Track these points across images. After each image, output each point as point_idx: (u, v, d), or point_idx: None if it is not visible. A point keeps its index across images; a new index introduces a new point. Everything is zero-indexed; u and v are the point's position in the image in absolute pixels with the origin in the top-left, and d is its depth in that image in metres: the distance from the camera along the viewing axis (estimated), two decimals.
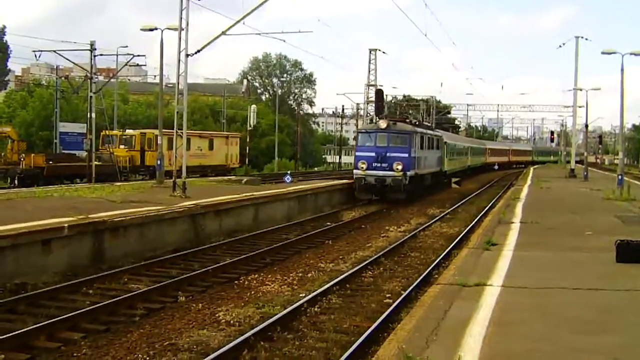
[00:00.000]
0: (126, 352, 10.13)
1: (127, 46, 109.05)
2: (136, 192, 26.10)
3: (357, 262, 17.70)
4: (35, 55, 41.61)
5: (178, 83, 27.23)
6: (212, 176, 45.82)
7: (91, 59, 39.04)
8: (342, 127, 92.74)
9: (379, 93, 43.21)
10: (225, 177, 43.43)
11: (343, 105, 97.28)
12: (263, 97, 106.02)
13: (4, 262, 13.78)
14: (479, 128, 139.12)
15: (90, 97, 37.82)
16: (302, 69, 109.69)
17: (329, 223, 26.42)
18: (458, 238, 21.12)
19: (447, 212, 30.75)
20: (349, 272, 15.76)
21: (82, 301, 12.90)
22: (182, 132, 26.62)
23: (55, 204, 20.08)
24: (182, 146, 26.63)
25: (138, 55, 43.73)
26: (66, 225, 15.64)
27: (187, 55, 26.20)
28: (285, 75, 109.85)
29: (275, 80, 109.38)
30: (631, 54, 41.35)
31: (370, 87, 64.28)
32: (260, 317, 11.91)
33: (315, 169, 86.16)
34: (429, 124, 49.84)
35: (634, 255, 13.64)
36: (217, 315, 12.20)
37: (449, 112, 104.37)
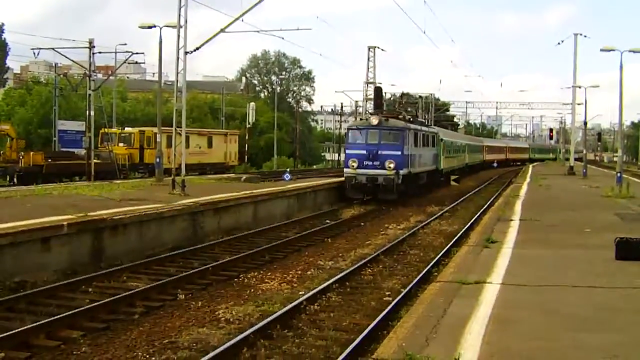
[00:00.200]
0: (126, 350, 10.12)
1: (126, 44, 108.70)
2: (135, 190, 26.11)
3: (357, 259, 17.71)
4: (34, 53, 41.66)
5: (177, 80, 27.26)
6: (211, 174, 45.81)
7: (90, 57, 38.92)
8: (341, 125, 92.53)
9: (378, 90, 42.97)
10: (224, 175, 43.46)
11: (342, 103, 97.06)
12: (262, 95, 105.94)
13: (3, 260, 13.79)
14: (478, 125, 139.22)
15: (89, 94, 37.72)
16: (301, 67, 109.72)
17: (328, 221, 26.42)
18: (457, 236, 21.10)
19: (446, 209, 30.73)
20: (349, 270, 15.76)
21: (81, 299, 12.90)
22: (181, 130, 26.63)
23: (54, 202, 20.07)
24: (181, 144, 26.62)
25: (137, 53, 43.58)
26: (65, 223, 15.64)
27: (186, 53, 26.22)
28: (284, 72, 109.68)
29: (274, 77, 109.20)
30: (630, 51, 41.44)
31: (369, 85, 64.21)
32: (260, 314, 11.92)
33: (314, 166, 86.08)
34: (424, 120, 48.21)
35: (633, 252, 13.65)
36: (216, 313, 12.21)
37: (447, 110, 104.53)
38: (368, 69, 66.26)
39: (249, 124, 64.28)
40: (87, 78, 39.06)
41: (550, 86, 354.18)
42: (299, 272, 16.30)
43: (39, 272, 14.46)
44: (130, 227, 17.91)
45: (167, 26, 31.66)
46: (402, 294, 13.01)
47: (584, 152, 60.23)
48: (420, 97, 69.42)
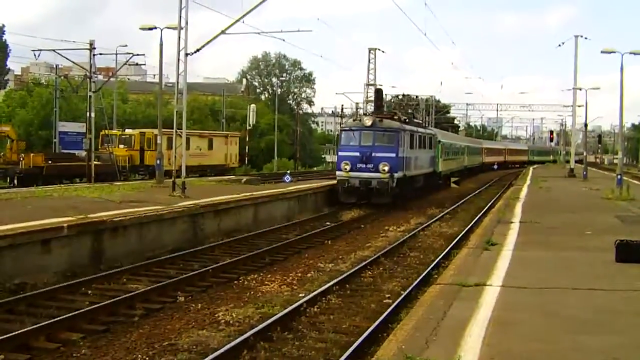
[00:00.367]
0: (125, 352, 10.13)
1: (126, 45, 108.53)
2: (135, 191, 26.10)
3: (357, 262, 17.69)
4: (35, 55, 41.78)
5: (177, 82, 27.25)
6: (211, 176, 45.83)
7: (90, 58, 39.01)
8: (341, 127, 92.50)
9: (379, 92, 42.86)
10: (225, 177, 43.47)
11: (342, 105, 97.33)
12: (262, 97, 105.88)
13: (3, 262, 13.78)
14: (479, 128, 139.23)
15: (90, 96, 37.77)
16: (301, 68, 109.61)
17: (328, 223, 26.42)
18: (457, 238, 21.11)
19: (446, 212, 30.73)
20: (349, 272, 15.75)
21: (81, 301, 12.89)
22: (181, 132, 26.63)
23: (54, 204, 20.07)
24: (182, 146, 26.63)
25: (137, 55, 43.74)
26: (65, 225, 15.64)
27: (187, 55, 26.23)
28: (284, 74, 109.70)
29: (274, 79, 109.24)
30: (631, 53, 41.46)
31: (370, 87, 64.29)
32: (260, 317, 11.91)
33: (315, 168, 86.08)
34: (420, 121, 46.35)
35: (633, 255, 13.63)
36: (216, 315, 12.20)
37: (448, 112, 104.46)
38: (368, 70, 66.44)
39: (249, 125, 64.31)
40: (88, 79, 39.16)
41: (551, 88, 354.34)
42: (299, 274, 16.29)
43: (38, 274, 14.45)
44: (131, 229, 17.91)
45: (167, 28, 31.67)
46: (402, 297, 13.00)
47: (585, 154, 60.25)
48: (416, 96, 69.03)
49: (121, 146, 45.31)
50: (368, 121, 31.93)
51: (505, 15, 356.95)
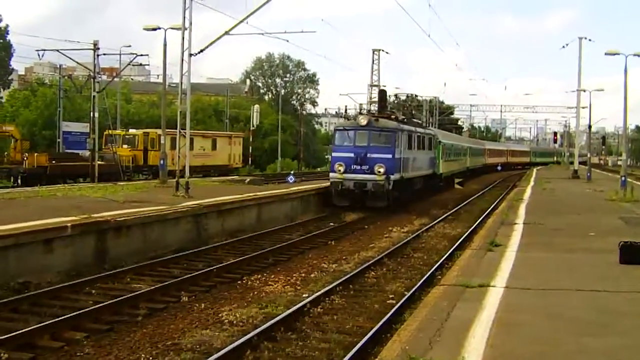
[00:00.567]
0: (129, 352, 10.13)
1: (130, 45, 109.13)
2: (139, 191, 26.13)
3: (360, 262, 17.70)
4: (39, 55, 41.66)
5: (181, 83, 27.30)
6: (215, 176, 45.85)
7: (94, 59, 39.07)
8: None
9: (382, 93, 42.77)
10: (228, 177, 43.50)
11: (346, 106, 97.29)
12: (266, 97, 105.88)
13: (7, 261, 13.80)
14: (482, 129, 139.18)
15: (93, 96, 37.89)
16: (305, 69, 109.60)
17: (332, 223, 26.41)
18: (461, 239, 21.08)
19: (450, 213, 30.70)
20: (352, 273, 15.75)
21: (85, 301, 12.90)
22: (185, 132, 26.65)
23: (58, 204, 20.10)
24: (185, 146, 26.65)
25: (141, 55, 43.70)
26: (69, 224, 15.66)
27: (191, 55, 26.26)
28: (288, 75, 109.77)
29: (278, 80, 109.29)
30: (635, 55, 41.46)
31: (374, 87, 64.32)
32: (264, 317, 11.92)
33: (318, 169, 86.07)
34: (420, 121, 44.03)
35: (637, 256, 13.61)
36: (220, 315, 12.21)
37: (452, 113, 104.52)
38: (372, 71, 66.51)
39: (253, 126, 64.35)
40: (92, 80, 39.24)
41: (555, 89, 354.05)
42: (303, 274, 16.30)
43: (42, 273, 14.47)
44: (134, 228, 17.91)
45: (171, 28, 31.73)
46: (405, 297, 13.00)
47: (588, 155, 60.25)
48: (415, 95, 68.81)
49: (125, 146, 45.36)
50: (363, 120, 30.38)
51: (509, 17, 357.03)
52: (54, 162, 39.91)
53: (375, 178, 29.08)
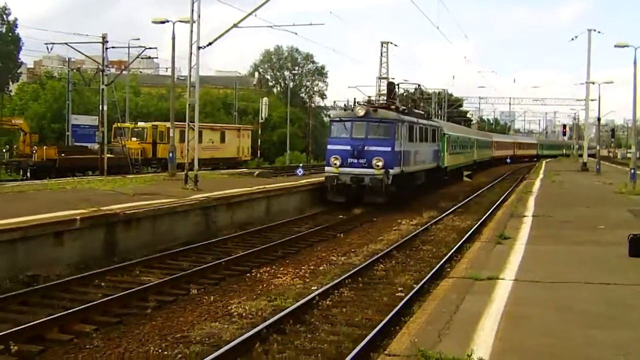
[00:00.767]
0: (138, 344, 10.16)
1: (139, 38, 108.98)
2: (148, 184, 26.17)
3: (369, 255, 17.69)
4: (47, 48, 41.76)
5: (190, 75, 27.31)
6: (223, 169, 45.93)
7: (103, 52, 39.12)
8: None
9: (390, 85, 42.57)
10: (237, 170, 43.52)
11: (355, 98, 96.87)
12: (274, 90, 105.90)
13: (16, 254, 13.86)
14: (491, 121, 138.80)
15: (102, 89, 37.95)
16: (313, 62, 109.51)
17: (341, 216, 26.36)
18: (470, 231, 21.04)
19: (459, 205, 30.63)
20: (361, 265, 15.75)
21: (94, 293, 12.94)
22: (194, 125, 26.67)
23: (67, 197, 20.15)
24: (194, 139, 26.67)
25: (150, 48, 43.88)
26: (78, 217, 15.70)
27: (199, 48, 26.26)
28: (296, 68, 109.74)
29: (286, 72, 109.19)
30: None
31: (382, 80, 64.18)
32: (273, 309, 11.92)
33: None
34: (422, 112, 41.44)
35: None
36: (229, 307, 12.22)
37: (460, 105, 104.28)
38: (381, 64, 66.37)
39: (261, 119, 64.43)
40: (100, 73, 39.30)
41: (564, 82, 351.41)
42: (312, 267, 16.30)
43: (51, 266, 14.52)
44: (143, 221, 17.95)
45: (180, 21, 31.71)
46: (414, 290, 12.99)
47: (598, 148, 60.03)
48: (419, 85, 68.47)
49: (134, 139, 45.50)
50: (361, 111, 28.56)
51: (518, 9, 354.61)
52: (63, 155, 40.06)
53: (373, 172, 27.50)
